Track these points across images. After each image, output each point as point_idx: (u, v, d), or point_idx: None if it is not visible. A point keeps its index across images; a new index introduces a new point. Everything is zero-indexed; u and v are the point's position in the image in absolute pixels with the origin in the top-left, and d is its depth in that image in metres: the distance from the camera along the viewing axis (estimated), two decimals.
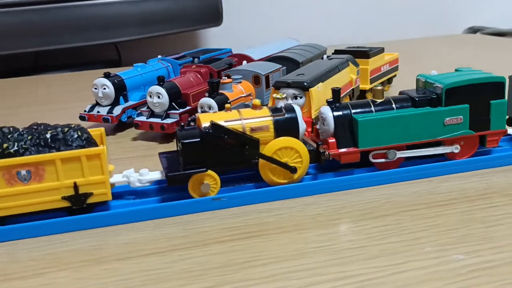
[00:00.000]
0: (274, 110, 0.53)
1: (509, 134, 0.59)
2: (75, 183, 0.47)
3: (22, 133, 0.47)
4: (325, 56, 0.76)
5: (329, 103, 0.54)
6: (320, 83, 0.64)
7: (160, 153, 0.55)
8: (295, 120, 0.52)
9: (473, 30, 1.79)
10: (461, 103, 0.54)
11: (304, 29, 1.64)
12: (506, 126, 0.57)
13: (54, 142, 0.47)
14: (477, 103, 0.54)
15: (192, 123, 0.54)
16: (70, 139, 0.47)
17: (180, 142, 0.50)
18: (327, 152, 0.53)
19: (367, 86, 0.80)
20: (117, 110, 0.73)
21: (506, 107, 0.55)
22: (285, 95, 0.56)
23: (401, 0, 1.73)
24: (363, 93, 0.81)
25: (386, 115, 0.53)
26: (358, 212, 0.47)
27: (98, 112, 0.74)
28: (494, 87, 0.55)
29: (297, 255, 0.41)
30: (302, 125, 0.53)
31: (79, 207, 0.47)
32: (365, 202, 0.49)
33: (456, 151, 0.55)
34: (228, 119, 0.51)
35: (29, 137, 0.47)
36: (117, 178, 0.51)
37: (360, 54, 0.80)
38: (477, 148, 0.56)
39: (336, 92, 0.54)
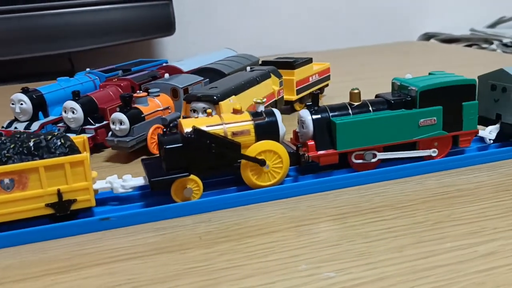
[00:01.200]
0: (255, 114, 0.54)
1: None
2: (58, 190, 0.47)
3: (4, 141, 0.47)
4: (248, 68, 0.76)
5: (307, 106, 0.56)
6: (233, 96, 0.64)
7: (142, 159, 0.56)
8: (275, 123, 0.54)
9: (428, 37, 1.81)
10: (434, 105, 0.56)
11: (260, 37, 1.65)
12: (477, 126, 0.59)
13: (37, 150, 0.47)
14: (449, 105, 0.56)
15: (174, 129, 0.55)
16: (53, 147, 0.48)
17: (163, 148, 0.50)
18: (306, 155, 0.54)
19: (293, 97, 0.80)
20: (35, 126, 0.72)
21: (477, 108, 0.58)
22: (259, 99, 0.56)
23: (356, 8, 1.75)
24: (289, 104, 0.81)
25: (363, 117, 0.55)
26: (248, 229, 0.46)
27: (15, 128, 0.72)
28: (465, 89, 0.57)
29: (170, 277, 0.40)
30: (282, 129, 0.55)
31: (62, 214, 0.48)
32: (260, 218, 0.48)
33: (434, 154, 0.57)
34: (210, 124, 0.53)
35: (11, 146, 0.47)
36: (100, 184, 0.52)
37: (285, 65, 0.80)
38: (450, 148, 0.58)
39: (315, 96, 0.56)
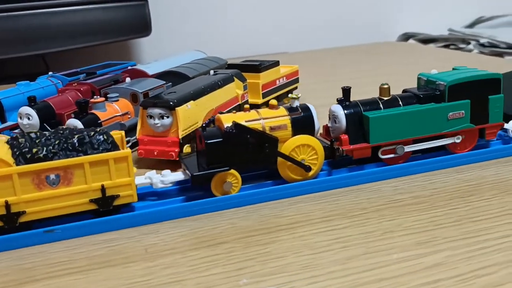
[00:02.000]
0: (291, 109, 0.56)
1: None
2: (102, 186, 0.47)
3: (49, 137, 0.47)
4: (211, 71, 0.75)
5: (339, 101, 0.57)
6: (191, 101, 0.63)
7: (180, 156, 0.58)
8: (311, 118, 0.56)
9: (407, 37, 1.81)
10: (462, 99, 0.57)
11: (236, 38, 1.63)
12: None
13: (81, 146, 0.48)
14: (476, 99, 0.58)
15: (211, 124, 0.55)
16: (97, 143, 0.48)
17: (204, 142, 0.51)
18: (340, 149, 0.55)
19: (259, 101, 0.79)
20: None
21: (503, 102, 0.59)
22: (294, 95, 0.57)
23: (336, 9, 1.74)
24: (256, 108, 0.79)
25: (394, 111, 0.56)
26: (195, 240, 0.45)
27: None
28: (492, 83, 0.58)
29: None
30: (317, 124, 0.56)
31: (106, 209, 0.48)
32: (208, 229, 0.47)
33: (457, 141, 0.58)
34: (248, 119, 0.54)
35: (56, 142, 0.47)
36: (139, 180, 0.52)
37: (251, 68, 0.79)
38: (477, 141, 0.59)
39: (346, 91, 0.57)
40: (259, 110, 0.56)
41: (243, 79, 0.74)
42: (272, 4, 1.67)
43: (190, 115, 0.62)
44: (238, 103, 0.73)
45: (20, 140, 0.47)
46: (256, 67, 0.78)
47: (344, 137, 0.55)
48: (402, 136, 0.56)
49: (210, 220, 0.49)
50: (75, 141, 0.48)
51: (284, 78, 0.85)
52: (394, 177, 0.55)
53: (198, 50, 0.99)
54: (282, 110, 0.56)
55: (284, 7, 1.68)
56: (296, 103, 0.56)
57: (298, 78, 0.89)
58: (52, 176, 0.46)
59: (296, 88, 0.90)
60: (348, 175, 0.54)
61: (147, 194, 0.54)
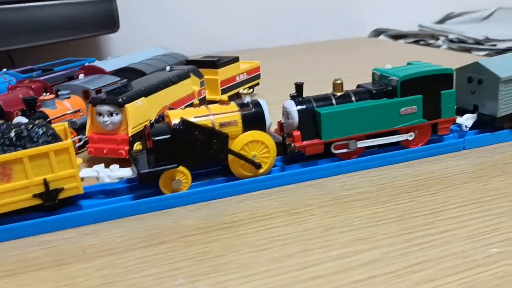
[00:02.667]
0: (242, 105, 0.55)
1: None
2: (45, 180, 0.46)
3: None
4: (167, 67, 0.73)
5: (292, 97, 0.56)
6: (143, 98, 0.61)
7: (130, 152, 0.56)
8: (262, 114, 0.55)
9: (378, 33, 1.82)
10: (414, 94, 0.57)
11: (207, 33, 1.62)
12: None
13: (19, 140, 0.46)
14: (429, 94, 0.58)
15: (161, 120, 0.54)
16: (36, 136, 0.47)
17: (151, 139, 0.50)
18: (293, 145, 0.54)
19: (218, 97, 0.78)
20: None
21: (455, 97, 0.59)
22: (245, 90, 0.57)
23: (307, 5, 1.74)
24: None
25: (346, 107, 0.56)
26: (135, 241, 0.44)
27: None
28: (444, 78, 0.58)
29: None
30: (269, 119, 0.55)
31: (51, 204, 0.47)
32: (151, 228, 0.46)
33: (410, 138, 0.58)
34: (198, 115, 0.53)
35: None
36: (86, 173, 0.51)
37: (209, 64, 0.78)
38: (430, 136, 0.59)
39: (298, 86, 0.56)
40: (209, 106, 0.55)
41: (199, 75, 0.73)
42: (244, 1, 1.66)
43: (141, 112, 0.61)
44: (194, 100, 0.72)
45: None
46: (214, 63, 0.77)
47: (297, 133, 0.55)
48: (355, 132, 0.56)
49: (154, 219, 0.48)
50: (12, 135, 0.46)
51: (245, 74, 0.84)
52: (345, 172, 0.55)
53: (160, 45, 0.98)
54: (232, 106, 0.55)
55: (256, 3, 1.67)
56: (247, 99, 0.55)
57: (259, 74, 0.88)
58: None
59: (258, 84, 0.89)
60: (298, 171, 0.54)
61: (96, 192, 0.53)
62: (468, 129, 0.61)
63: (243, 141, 0.52)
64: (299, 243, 0.41)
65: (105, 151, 0.60)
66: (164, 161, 0.50)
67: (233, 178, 0.53)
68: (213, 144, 0.51)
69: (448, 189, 0.49)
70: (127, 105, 0.59)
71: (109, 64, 0.83)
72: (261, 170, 0.53)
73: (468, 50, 1.54)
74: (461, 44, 1.56)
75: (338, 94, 0.57)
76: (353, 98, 0.57)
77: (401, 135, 0.57)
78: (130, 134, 0.59)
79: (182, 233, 0.45)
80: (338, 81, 0.57)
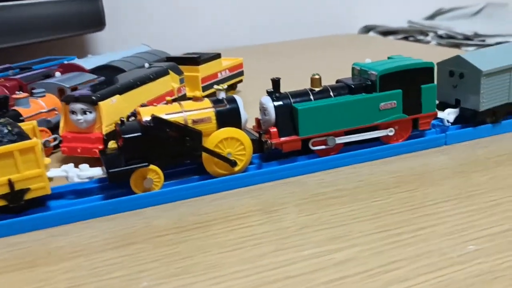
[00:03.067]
0: (216, 102, 0.53)
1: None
2: (9, 180, 0.44)
3: None
4: (146, 64, 0.72)
5: (269, 93, 0.55)
6: (117, 96, 0.60)
7: (100, 151, 0.54)
8: (236, 110, 0.53)
9: (367, 29, 1.80)
10: (394, 89, 0.56)
11: (194, 32, 1.60)
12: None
13: None
14: (409, 88, 0.56)
15: (132, 118, 0.53)
16: (0, 135, 0.45)
17: (121, 137, 0.48)
18: (269, 142, 0.53)
19: (199, 94, 0.76)
20: None
21: (436, 91, 0.58)
22: (220, 86, 0.55)
23: (297, 1, 1.72)
24: None
25: (324, 102, 0.54)
26: (104, 242, 0.42)
27: None
28: (424, 72, 0.57)
29: None
30: (244, 115, 0.54)
31: (17, 205, 0.45)
32: (120, 229, 0.44)
33: (390, 134, 0.56)
34: (170, 112, 0.51)
35: None
36: (55, 173, 0.49)
37: (189, 61, 0.76)
38: (411, 131, 0.58)
39: (275, 82, 0.55)
40: (182, 102, 0.53)
41: (179, 72, 0.72)
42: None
43: (116, 110, 0.59)
44: (174, 97, 0.71)
45: None
46: (195, 59, 0.76)
47: (273, 130, 0.53)
48: (333, 127, 0.54)
49: (125, 220, 0.46)
50: None
51: (227, 71, 0.82)
52: (323, 169, 0.53)
53: (144, 44, 0.96)
54: (206, 102, 0.53)
55: (244, 0, 1.66)
56: (222, 95, 0.54)
57: (242, 71, 0.87)
58: None
59: (241, 81, 0.87)
60: (274, 169, 0.52)
61: (66, 192, 0.52)
62: (450, 124, 0.59)
63: (218, 138, 0.51)
64: (273, 243, 0.40)
65: (79, 150, 0.58)
66: (134, 159, 0.49)
67: (208, 177, 0.52)
68: (186, 141, 0.50)
69: (427, 185, 0.48)
70: (101, 103, 0.57)
71: (88, 62, 0.82)
72: (236, 168, 0.51)
73: (458, 46, 1.53)
74: (450, 40, 1.56)
75: (317, 89, 0.56)
76: (331, 93, 0.56)
77: (381, 130, 0.56)
78: (104, 133, 0.57)
79: (152, 234, 0.43)
80: (316, 76, 0.56)
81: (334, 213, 0.44)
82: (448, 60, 0.60)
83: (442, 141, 0.58)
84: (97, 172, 0.50)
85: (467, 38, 1.53)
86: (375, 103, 0.55)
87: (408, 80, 0.56)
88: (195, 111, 0.52)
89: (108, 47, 1.62)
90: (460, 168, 0.51)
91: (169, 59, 0.78)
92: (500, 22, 1.75)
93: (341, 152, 0.55)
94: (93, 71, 0.75)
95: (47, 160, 0.49)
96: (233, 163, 0.51)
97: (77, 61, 0.82)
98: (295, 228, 0.42)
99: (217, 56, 0.80)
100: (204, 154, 0.51)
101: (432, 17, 1.84)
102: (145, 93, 0.65)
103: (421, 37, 1.63)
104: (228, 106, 0.53)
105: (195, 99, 0.53)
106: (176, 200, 0.49)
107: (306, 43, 1.55)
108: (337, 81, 0.59)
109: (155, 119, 0.49)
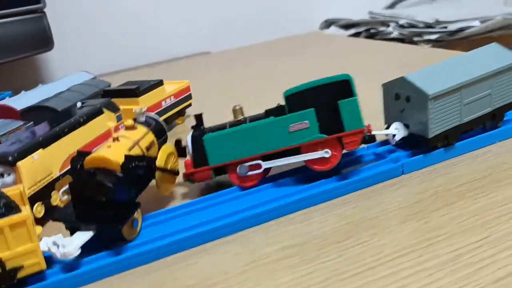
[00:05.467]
0: (146, 124, 0.54)
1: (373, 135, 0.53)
2: (0, 260, 0.40)
3: None
4: (78, 104, 0.65)
5: (193, 127, 0.55)
6: (40, 150, 0.53)
7: (57, 211, 0.49)
8: (162, 126, 0.56)
9: (328, 24, 1.75)
10: (306, 108, 0.51)
11: (149, 42, 1.53)
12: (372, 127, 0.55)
13: None
14: (323, 105, 0.51)
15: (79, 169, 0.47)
16: None
17: (106, 188, 0.43)
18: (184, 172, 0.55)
19: (130, 122, 0.70)
20: None
21: (357, 105, 0.51)
22: (141, 108, 0.55)
23: (255, 2, 1.66)
24: None
25: (229, 130, 0.53)
26: None
27: None
28: (339, 86, 0.51)
29: None
30: (165, 125, 0.57)
31: (9, 285, 0.41)
32: None
33: (327, 155, 0.51)
34: (128, 147, 0.49)
35: None
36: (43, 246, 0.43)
37: (127, 93, 0.70)
38: (341, 151, 0.52)
39: (198, 117, 0.55)
40: (122, 134, 0.50)
41: (115, 110, 0.65)
42: (187, 5, 1.57)
43: (39, 167, 0.53)
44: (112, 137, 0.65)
45: None
46: (133, 91, 0.70)
47: (188, 161, 0.54)
48: (243, 154, 0.52)
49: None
50: None
51: (172, 97, 0.76)
52: (271, 219, 0.48)
53: (85, 71, 0.89)
54: (141, 128, 0.53)
55: (198, 7, 1.59)
56: (142, 118, 0.54)
57: (190, 95, 0.81)
58: None
59: (189, 105, 0.81)
60: (209, 228, 0.46)
61: None
62: (395, 141, 0.54)
63: (164, 156, 0.52)
64: None
65: None
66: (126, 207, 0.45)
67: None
68: (153, 169, 0.50)
69: (383, 234, 0.43)
70: (20, 163, 0.50)
71: (21, 101, 0.75)
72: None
73: (419, 35, 1.49)
74: (412, 29, 1.51)
75: (236, 119, 0.54)
76: (247, 121, 0.53)
77: (315, 152, 0.51)
78: (27, 196, 0.51)
79: None
80: (237, 107, 0.54)
81: (279, 283, 0.38)
82: (393, 81, 0.55)
83: (399, 171, 0.53)
84: (84, 236, 0.43)
85: (428, 26, 1.49)
86: (283, 125, 0.51)
87: (320, 97, 0.51)
88: (143, 139, 0.52)
89: (59, 68, 1.54)
90: (418, 206, 0.46)
91: (106, 92, 0.72)
92: (462, 4, 1.72)
93: (293, 198, 0.49)
94: (24, 112, 0.69)
95: (39, 229, 0.44)
96: (177, 173, 0.54)
97: (8, 102, 0.75)
98: None
99: (159, 83, 0.74)
100: (157, 177, 0.51)
101: (393, 5, 1.80)
102: (75, 140, 0.59)
103: (382, 28, 1.59)
104: (155, 125, 0.55)
105: (127, 128, 0.52)
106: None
107: (265, 47, 1.49)
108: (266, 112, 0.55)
109: (129, 158, 0.46)
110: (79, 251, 0.42)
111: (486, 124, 0.58)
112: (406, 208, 0.46)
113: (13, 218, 0.40)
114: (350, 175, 0.52)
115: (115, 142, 0.49)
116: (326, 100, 0.51)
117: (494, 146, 0.56)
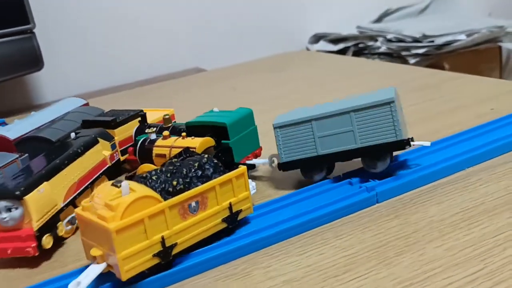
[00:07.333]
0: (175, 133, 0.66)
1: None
2: (230, 204, 0.51)
3: (173, 171, 0.49)
4: (72, 134, 0.65)
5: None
6: (45, 183, 0.54)
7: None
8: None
9: (317, 38, 1.77)
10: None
11: (146, 56, 1.54)
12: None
13: (203, 173, 0.50)
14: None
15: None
16: (213, 168, 0.51)
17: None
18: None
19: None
20: None
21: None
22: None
23: (244, 22, 1.67)
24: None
25: None
26: None
27: None
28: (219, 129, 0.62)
29: None
30: None
31: (233, 226, 0.51)
32: None
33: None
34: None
35: (184, 172, 0.49)
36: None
37: (103, 125, 0.70)
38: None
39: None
40: (170, 140, 0.63)
41: (109, 138, 0.66)
42: (179, 22, 1.58)
43: (45, 199, 0.54)
44: (107, 166, 0.65)
45: (153, 177, 0.48)
46: (109, 123, 0.70)
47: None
48: None
49: None
50: (197, 169, 0.50)
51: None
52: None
53: (77, 97, 0.89)
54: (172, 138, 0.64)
55: (188, 26, 1.60)
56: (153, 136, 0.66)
57: (174, 123, 0.80)
58: (193, 204, 0.48)
59: None
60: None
61: None
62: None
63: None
64: None
65: (9, 252, 0.53)
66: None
67: None
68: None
69: (381, 266, 0.43)
70: (27, 197, 0.51)
71: (15, 130, 0.75)
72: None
73: (407, 49, 1.51)
74: (400, 44, 1.54)
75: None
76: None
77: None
78: (35, 229, 0.52)
79: None
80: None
81: None
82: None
83: (373, 200, 0.54)
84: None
85: (416, 40, 1.51)
86: None
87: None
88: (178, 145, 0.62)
89: (49, 87, 1.54)
90: (413, 237, 0.47)
91: (84, 122, 0.72)
92: (448, 16, 1.75)
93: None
94: (18, 143, 0.69)
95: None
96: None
97: (1, 131, 0.74)
98: None
99: (136, 115, 0.74)
100: None
101: (380, 19, 1.83)
102: (75, 170, 0.59)
103: (371, 43, 1.61)
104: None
105: (164, 137, 0.64)
106: None
107: (251, 66, 1.49)
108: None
109: (186, 151, 0.54)
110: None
111: (365, 161, 0.57)
112: (402, 238, 0.47)
113: (238, 171, 0.51)
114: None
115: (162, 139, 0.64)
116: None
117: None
